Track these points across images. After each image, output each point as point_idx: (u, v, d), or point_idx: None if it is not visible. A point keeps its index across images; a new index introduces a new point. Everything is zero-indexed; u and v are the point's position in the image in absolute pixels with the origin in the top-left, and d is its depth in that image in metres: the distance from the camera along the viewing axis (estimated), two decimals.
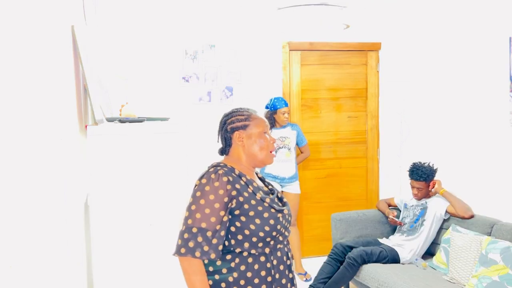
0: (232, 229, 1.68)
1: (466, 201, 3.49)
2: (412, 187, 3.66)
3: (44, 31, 1.57)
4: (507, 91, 3.34)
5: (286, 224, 1.75)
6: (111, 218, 2.15)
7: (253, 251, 1.68)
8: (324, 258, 3.62)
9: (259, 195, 1.71)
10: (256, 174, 1.89)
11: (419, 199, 3.65)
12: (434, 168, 3.63)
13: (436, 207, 3.53)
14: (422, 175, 3.58)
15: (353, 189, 4.83)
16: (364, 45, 4.69)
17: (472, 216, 3.39)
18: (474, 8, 3.64)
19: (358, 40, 4.65)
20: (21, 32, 1.28)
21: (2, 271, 1.06)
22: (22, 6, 1.30)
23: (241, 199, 1.67)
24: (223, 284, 1.66)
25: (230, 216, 1.67)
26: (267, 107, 4.17)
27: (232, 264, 1.67)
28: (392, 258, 3.43)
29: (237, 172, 1.73)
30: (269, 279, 1.69)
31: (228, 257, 1.68)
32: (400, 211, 3.86)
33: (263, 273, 1.68)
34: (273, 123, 4.16)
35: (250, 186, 1.72)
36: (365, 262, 3.38)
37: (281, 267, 1.75)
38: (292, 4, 3.77)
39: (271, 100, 4.16)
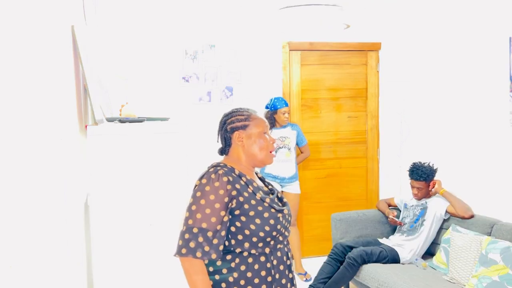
0: (232, 229, 1.68)
1: (466, 201, 3.49)
2: (412, 187, 3.66)
3: (44, 31, 1.57)
4: (507, 91, 3.34)
5: (286, 224, 1.75)
6: (111, 218, 2.15)
7: (253, 251, 1.68)
8: (324, 258, 3.62)
9: (259, 195, 1.71)
10: (256, 174, 1.89)
11: (419, 199, 3.65)
12: (434, 168, 3.63)
13: (436, 207, 3.53)
14: (422, 175, 3.58)
15: (353, 189, 4.83)
16: (364, 45, 4.69)
17: (472, 216, 3.39)
18: (474, 8, 3.64)
19: (358, 40, 4.65)
20: (21, 32, 1.28)
21: (2, 271, 1.06)
22: (22, 6, 1.30)
23: (241, 199, 1.67)
24: (223, 284, 1.67)
25: (230, 216, 1.67)
26: (267, 107, 4.17)
27: (232, 264, 1.67)
28: (392, 258, 3.43)
29: (237, 172, 1.73)
30: (269, 279, 1.69)
31: (228, 257, 1.68)
32: (400, 211, 3.86)
33: (263, 273, 1.68)
34: (273, 123, 4.16)
35: (250, 186, 1.72)
36: (365, 262, 3.38)
37: (281, 267, 1.75)
38: (292, 4, 3.77)
39: (271, 100, 4.16)
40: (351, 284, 3.59)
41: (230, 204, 1.66)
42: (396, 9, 4.59)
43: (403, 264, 3.44)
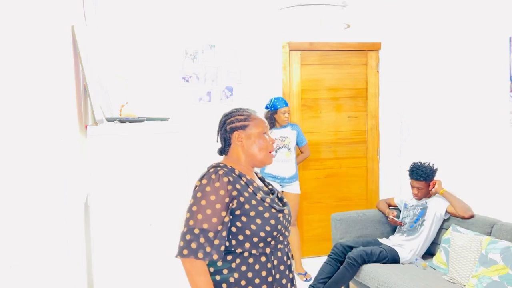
0: (233, 229, 1.67)
1: (466, 201, 3.49)
2: (412, 187, 3.66)
3: (44, 31, 1.57)
4: (507, 91, 3.34)
5: (286, 224, 1.75)
6: (111, 218, 2.15)
7: (254, 251, 1.68)
8: (324, 258, 3.62)
9: (259, 195, 1.71)
10: (256, 174, 1.89)
11: (419, 199, 3.65)
12: (434, 168, 3.63)
13: (436, 207, 3.53)
14: (422, 175, 3.58)
15: (353, 189, 4.83)
16: (364, 45, 4.69)
17: (472, 216, 3.39)
18: (474, 8, 3.64)
19: (358, 40, 4.66)
20: (21, 32, 1.28)
21: (2, 271, 1.06)
22: (22, 6, 1.30)
23: (241, 199, 1.67)
24: (224, 285, 1.66)
25: (231, 217, 1.67)
26: (267, 107, 4.17)
27: (233, 265, 1.67)
28: (392, 258, 3.43)
29: (237, 172, 1.73)
30: (269, 279, 1.69)
31: (229, 257, 1.68)
32: (400, 211, 3.86)
33: (263, 273, 1.68)
34: (273, 123, 4.16)
35: (250, 186, 1.72)
36: (365, 262, 3.38)
37: (282, 267, 1.75)
38: (292, 4, 3.76)
39: (271, 100, 4.16)
40: (351, 284, 3.59)
41: (230, 204, 1.66)
42: (396, 9, 4.59)
43: (403, 264, 3.44)
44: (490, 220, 3.27)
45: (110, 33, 3.85)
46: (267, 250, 1.70)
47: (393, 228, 3.87)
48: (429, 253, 3.57)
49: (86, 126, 2.24)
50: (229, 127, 1.79)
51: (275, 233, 1.69)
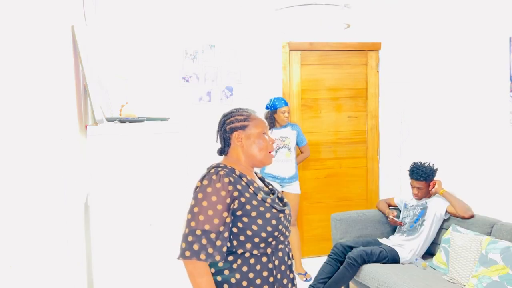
0: (234, 230, 1.67)
1: (466, 201, 3.49)
2: (412, 187, 3.66)
3: (44, 31, 1.57)
4: (507, 91, 3.34)
5: (287, 224, 1.75)
6: (111, 218, 2.15)
7: (255, 252, 1.67)
8: (324, 258, 3.62)
9: (260, 196, 1.71)
10: (256, 174, 1.89)
11: (419, 199, 3.65)
12: (434, 168, 3.63)
13: (436, 207, 3.53)
14: (422, 175, 3.58)
15: (353, 189, 4.83)
16: (364, 45, 4.69)
17: (472, 216, 3.39)
18: (474, 8, 3.64)
19: (358, 40, 4.66)
20: (21, 32, 1.28)
21: (2, 271, 1.06)
22: (22, 6, 1.30)
23: (243, 199, 1.67)
24: (225, 286, 1.66)
25: (232, 217, 1.67)
26: (267, 107, 4.17)
27: (234, 265, 1.67)
28: (392, 258, 3.43)
29: (237, 172, 1.73)
30: (271, 279, 1.69)
31: (230, 258, 1.67)
32: (400, 211, 3.86)
33: (265, 273, 1.68)
34: (273, 123, 4.16)
35: (251, 187, 1.72)
36: (365, 262, 3.38)
37: (283, 267, 1.74)
38: (292, 4, 3.77)
39: (271, 100, 4.16)
40: (351, 284, 3.59)
41: (232, 205, 1.65)
42: (396, 9, 4.59)
43: (403, 264, 3.44)
44: (490, 220, 3.27)
45: (110, 33, 3.85)
46: (268, 251, 1.70)
47: (393, 228, 3.87)
48: (429, 253, 3.57)
49: (86, 126, 2.24)
50: (229, 127, 1.79)
51: (276, 233, 1.68)
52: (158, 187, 2.21)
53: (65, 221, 1.76)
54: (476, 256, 3.00)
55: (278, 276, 1.72)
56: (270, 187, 1.88)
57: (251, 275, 1.66)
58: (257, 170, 4.21)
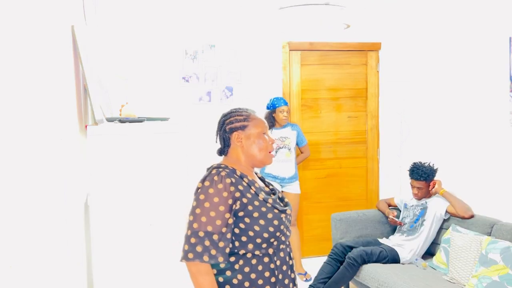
0: (236, 231, 1.66)
1: (466, 201, 3.49)
2: (412, 186, 3.66)
3: (44, 31, 1.57)
4: (507, 91, 3.34)
5: (288, 224, 1.75)
6: (111, 218, 2.15)
7: (257, 252, 1.67)
8: (324, 258, 3.63)
9: (261, 196, 1.70)
10: (256, 174, 1.88)
11: (419, 199, 3.65)
12: (434, 168, 3.63)
13: (436, 207, 3.53)
14: (422, 175, 3.58)
15: (353, 189, 4.83)
16: (364, 45, 4.69)
17: (472, 216, 3.39)
18: (474, 8, 3.64)
19: (358, 40, 4.65)
20: (21, 32, 1.28)
21: (2, 271, 1.06)
22: (22, 6, 1.30)
23: (244, 200, 1.66)
24: (227, 287, 1.66)
25: (234, 218, 1.66)
26: (267, 107, 4.18)
27: (236, 266, 1.66)
28: (392, 258, 3.43)
29: (238, 173, 1.72)
30: (272, 279, 1.69)
31: (232, 259, 1.67)
32: (400, 211, 3.86)
33: (267, 274, 1.68)
34: (273, 123, 4.15)
35: (252, 187, 1.71)
36: (365, 262, 3.38)
37: (284, 267, 1.74)
38: (292, 4, 3.77)
39: (270, 100, 4.17)
40: (351, 284, 3.59)
41: (234, 206, 1.65)
42: (396, 9, 4.59)
43: (403, 264, 3.44)
44: (490, 220, 3.27)
45: (110, 33, 3.85)
46: (270, 251, 1.69)
47: (393, 228, 3.87)
48: (429, 253, 3.57)
49: (86, 126, 2.24)
50: (228, 127, 1.78)
51: (278, 234, 1.68)
52: (158, 187, 2.21)
53: (65, 221, 1.76)
54: (476, 256, 3.00)
55: (280, 276, 1.72)
56: (270, 187, 1.87)
57: (253, 275, 1.66)
58: (257, 170, 4.21)
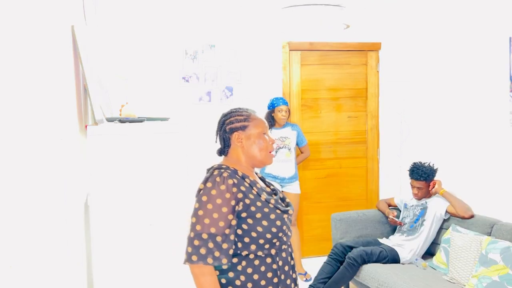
0: (239, 232, 1.66)
1: (466, 201, 3.49)
2: (412, 186, 3.66)
3: (44, 31, 1.57)
4: (507, 91, 3.34)
5: (289, 225, 1.75)
6: (111, 218, 2.15)
7: (259, 253, 1.67)
8: (324, 258, 3.63)
9: (263, 197, 1.70)
10: (256, 174, 1.88)
11: (419, 199, 3.65)
12: (434, 168, 3.63)
13: (436, 207, 3.53)
14: (422, 175, 3.58)
15: (353, 189, 4.83)
16: (364, 45, 4.69)
17: (472, 216, 3.39)
18: (474, 8, 3.64)
19: (358, 40, 4.66)
20: (21, 32, 1.28)
21: (2, 271, 1.06)
22: (22, 6, 1.30)
23: (247, 201, 1.65)
24: None
25: (237, 219, 1.65)
26: (268, 108, 4.18)
27: (239, 267, 1.66)
28: (392, 258, 3.43)
29: (240, 174, 1.71)
30: (275, 280, 1.69)
31: (234, 260, 1.66)
32: (400, 211, 3.86)
33: (269, 274, 1.67)
34: (272, 122, 4.16)
35: (254, 188, 1.70)
36: (365, 262, 3.38)
37: (286, 268, 1.74)
38: (292, 4, 3.77)
39: (270, 100, 4.17)
40: (351, 284, 3.59)
41: (236, 207, 1.64)
42: (396, 9, 4.59)
43: (403, 264, 3.44)
44: (490, 220, 3.27)
45: (110, 33, 3.85)
46: (273, 252, 1.69)
47: (393, 228, 3.87)
48: (429, 253, 3.57)
49: (86, 126, 2.24)
50: (229, 127, 1.77)
51: (280, 234, 1.68)
52: (158, 187, 2.21)
53: (65, 221, 1.76)
54: (476, 256, 3.00)
55: (282, 277, 1.72)
56: (271, 187, 1.87)
57: (255, 276, 1.65)
58: (257, 170, 4.21)
